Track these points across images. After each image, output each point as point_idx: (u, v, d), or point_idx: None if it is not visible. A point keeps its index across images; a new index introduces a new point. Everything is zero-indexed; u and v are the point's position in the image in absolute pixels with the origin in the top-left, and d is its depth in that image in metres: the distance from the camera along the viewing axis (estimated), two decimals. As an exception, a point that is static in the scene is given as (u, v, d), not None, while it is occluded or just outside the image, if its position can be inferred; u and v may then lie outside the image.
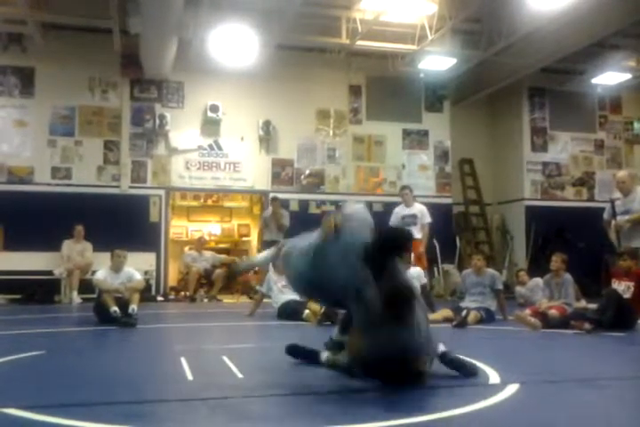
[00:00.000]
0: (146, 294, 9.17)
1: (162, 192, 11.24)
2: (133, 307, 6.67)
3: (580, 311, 6.53)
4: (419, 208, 8.86)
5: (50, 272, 9.96)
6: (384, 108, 12.19)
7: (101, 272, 7.09)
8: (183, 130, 11.31)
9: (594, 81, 12.34)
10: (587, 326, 5.82)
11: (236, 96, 11.49)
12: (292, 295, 7.63)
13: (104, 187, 10.93)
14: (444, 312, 7.06)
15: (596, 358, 4.70)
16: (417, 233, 8.71)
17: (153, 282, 10.73)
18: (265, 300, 8.01)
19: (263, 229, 10.71)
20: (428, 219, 8.78)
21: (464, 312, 6.71)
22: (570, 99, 12.89)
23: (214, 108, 11.21)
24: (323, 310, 6.55)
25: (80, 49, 10.68)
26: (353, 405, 3.00)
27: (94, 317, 6.77)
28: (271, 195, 11.11)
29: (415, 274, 7.73)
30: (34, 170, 10.71)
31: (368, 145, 12.20)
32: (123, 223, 10.34)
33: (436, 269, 11.32)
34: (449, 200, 12.54)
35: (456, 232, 12.66)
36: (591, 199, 12.90)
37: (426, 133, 12.48)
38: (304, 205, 11.69)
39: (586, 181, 13.18)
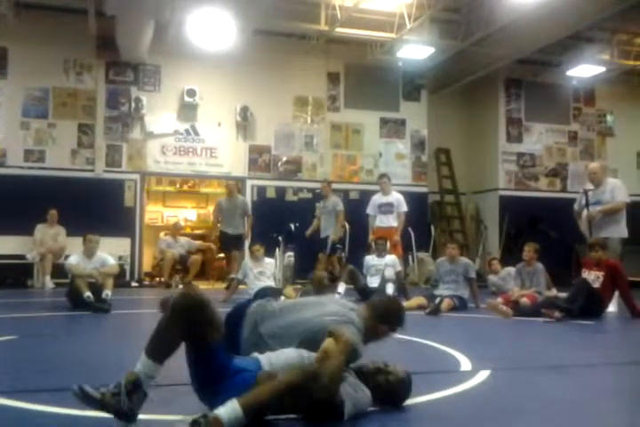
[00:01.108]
0: (120, 280, 9.12)
1: (137, 177, 11.13)
2: (107, 292, 6.63)
3: (550, 300, 6.65)
4: (396, 197, 8.94)
5: (22, 256, 9.82)
6: (362, 96, 12.19)
7: (74, 257, 7.02)
8: (159, 114, 11.18)
9: (569, 73, 12.47)
10: (557, 314, 5.94)
11: (214, 81, 11.38)
12: (267, 282, 7.66)
13: (78, 171, 10.78)
14: (418, 300, 7.15)
15: (566, 346, 4.81)
16: (393, 221, 8.82)
17: (127, 267, 10.65)
18: (241, 286, 8.02)
19: (218, 218, 10.38)
20: (404, 208, 8.88)
21: (437, 300, 6.79)
22: (545, 90, 13.03)
23: (191, 93, 11.10)
24: (298, 296, 6.59)
25: (54, 30, 10.47)
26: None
27: (67, 302, 6.72)
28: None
29: (390, 262, 7.82)
30: (6, 152, 10.50)
31: (346, 133, 12.20)
32: (97, 208, 10.23)
33: (410, 257, 11.41)
34: (424, 189, 12.63)
35: (431, 221, 12.77)
36: (564, 190, 13.10)
37: (403, 122, 12.51)
38: (281, 192, 11.68)
39: (559, 172, 13.36)
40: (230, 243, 10.10)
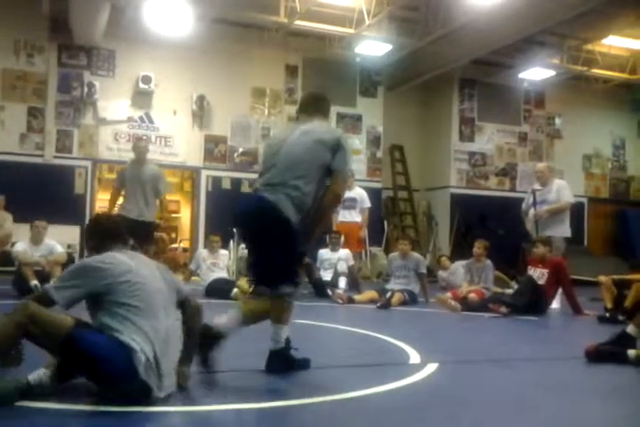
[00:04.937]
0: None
1: (88, 164, 10.89)
2: (54, 281, 6.49)
3: (497, 296, 6.85)
4: (358, 192, 8.88)
5: (-35, 243, 9.51)
6: (320, 90, 11.93)
7: (21, 244, 6.86)
8: (113, 100, 10.95)
9: (521, 75, 12.80)
10: (503, 309, 6.13)
11: (170, 68, 11.21)
12: (220, 273, 7.64)
13: (27, 155, 10.47)
14: (370, 294, 7.26)
15: (511, 340, 4.97)
16: (356, 216, 8.79)
17: (76, 256, 10.42)
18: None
19: (120, 192, 7.37)
20: (367, 203, 8.82)
21: (388, 294, 6.91)
22: (498, 91, 13.32)
23: (146, 80, 10.90)
24: (252, 288, 6.58)
25: (5, 9, 10.12)
26: (281, 383, 3.08)
27: (13, 290, 6.56)
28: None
29: (344, 256, 7.90)
30: (-50, 135, 10.15)
31: (302, 126, 12.18)
32: (46, 194, 9.97)
33: (363, 251, 11.52)
34: (379, 185, 12.76)
35: (384, 216, 12.92)
36: (513, 189, 13.45)
37: (359, 118, 12.60)
38: (237, 183, 11.60)
39: (508, 172, 13.72)
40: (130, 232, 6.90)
